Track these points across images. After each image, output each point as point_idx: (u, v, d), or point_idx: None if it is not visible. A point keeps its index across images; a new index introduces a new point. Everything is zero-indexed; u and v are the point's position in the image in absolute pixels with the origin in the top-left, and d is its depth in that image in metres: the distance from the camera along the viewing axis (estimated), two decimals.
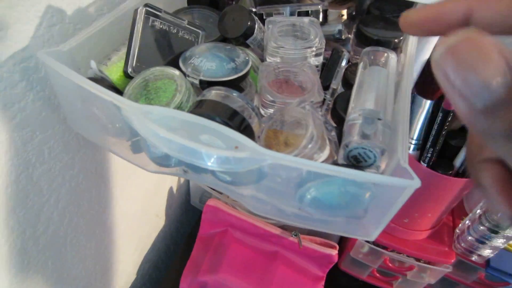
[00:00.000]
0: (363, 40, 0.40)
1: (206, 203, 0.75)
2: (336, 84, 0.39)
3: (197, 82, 0.32)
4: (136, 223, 0.67)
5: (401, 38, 0.39)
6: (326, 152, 0.31)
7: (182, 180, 0.86)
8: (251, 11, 0.41)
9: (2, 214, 0.36)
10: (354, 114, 0.32)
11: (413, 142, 0.59)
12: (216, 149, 0.26)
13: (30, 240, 0.41)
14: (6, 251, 0.38)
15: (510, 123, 0.14)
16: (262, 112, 0.35)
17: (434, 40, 0.49)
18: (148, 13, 0.33)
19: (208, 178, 0.35)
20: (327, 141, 0.31)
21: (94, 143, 0.46)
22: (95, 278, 0.58)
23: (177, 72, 0.31)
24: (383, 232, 0.70)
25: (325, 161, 0.31)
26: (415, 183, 0.26)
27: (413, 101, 0.59)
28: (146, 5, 0.33)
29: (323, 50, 0.36)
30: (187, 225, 0.95)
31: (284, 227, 0.75)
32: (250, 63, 0.34)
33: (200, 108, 0.29)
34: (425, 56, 0.51)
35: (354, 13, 0.49)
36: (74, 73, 0.29)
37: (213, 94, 0.30)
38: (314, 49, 0.35)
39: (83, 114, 0.34)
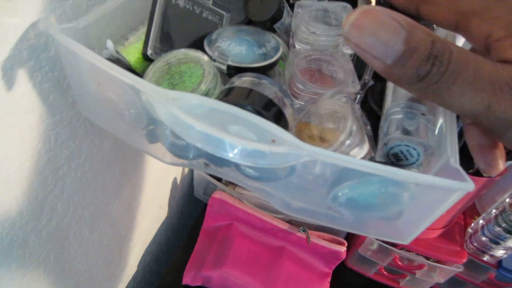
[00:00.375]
0: None
1: (212, 195, 0.72)
2: (369, 75, 0.36)
3: (224, 67, 0.29)
4: (139, 214, 0.64)
5: None
6: (365, 148, 0.28)
7: (186, 171, 0.83)
8: None
9: (4, 205, 0.33)
10: (395, 108, 0.29)
11: None
12: (253, 143, 0.23)
13: (33, 233, 0.38)
14: (7, 245, 0.35)
15: (415, 67, 0.18)
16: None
17: None
18: None
19: (231, 173, 0.32)
20: (366, 137, 0.29)
21: (102, 130, 0.43)
22: (97, 271, 0.55)
23: (204, 56, 0.28)
24: None
25: (363, 157, 0.28)
26: (469, 185, 0.24)
27: None
28: None
29: None
30: (189, 217, 0.93)
31: (291, 222, 0.73)
32: (281, 49, 0.31)
33: (231, 96, 0.26)
34: None
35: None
36: (91, 52, 0.26)
37: (243, 81, 0.27)
38: None
39: (97, 98, 0.31)
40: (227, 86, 0.27)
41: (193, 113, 0.25)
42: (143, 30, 0.31)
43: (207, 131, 0.23)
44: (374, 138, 0.31)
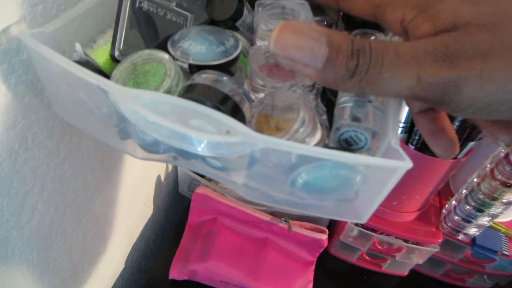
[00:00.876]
0: (350, 24, 0.40)
1: (195, 191, 0.74)
2: None
3: (186, 66, 0.31)
4: (123, 212, 0.66)
5: None
6: (317, 136, 0.31)
7: (170, 168, 0.85)
8: None
9: None
10: (345, 97, 0.32)
11: (401, 125, 0.59)
12: (208, 134, 0.25)
13: (14, 230, 0.40)
14: None
15: (345, 64, 0.19)
16: (253, 96, 0.35)
17: None
18: None
19: (198, 164, 0.34)
20: (319, 125, 0.31)
21: (79, 130, 0.44)
22: (82, 268, 0.57)
23: (166, 55, 0.30)
24: (372, 215, 0.71)
25: (316, 144, 0.31)
26: (407, 164, 0.26)
27: None
28: None
29: None
30: (175, 213, 0.95)
31: (273, 214, 0.76)
32: (240, 46, 0.34)
33: (191, 93, 0.28)
34: None
35: None
36: (60, 55, 0.28)
37: (203, 78, 0.30)
38: None
39: (69, 99, 0.33)
40: (188, 83, 0.30)
41: (156, 110, 0.27)
42: (110, 33, 0.33)
43: (165, 125, 0.25)
44: (330, 126, 0.34)
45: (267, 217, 0.75)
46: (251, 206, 0.75)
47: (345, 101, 0.32)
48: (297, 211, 0.34)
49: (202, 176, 0.81)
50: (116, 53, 0.32)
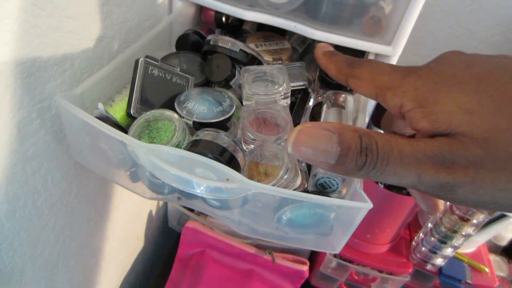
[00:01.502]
0: (325, 83, 0.48)
1: (185, 225, 0.79)
2: (305, 121, 0.46)
3: (191, 123, 0.38)
4: (118, 245, 0.71)
5: None
6: (298, 181, 0.38)
7: (160, 203, 0.90)
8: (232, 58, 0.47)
9: (9, 237, 0.40)
10: None
11: None
12: (213, 181, 0.32)
13: (29, 262, 0.44)
14: (8, 272, 0.42)
15: (354, 160, 0.22)
16: (244, 147, 0.42)
17: None
18: (147, 63, 0.39)
19: (198, 204, 0.41)
20: (299, 172, 0.38)
21: (88, 171, 0.50)
22: None
23: (175, 115, 0.37)
24: (349, 247, 0.78)
25: (297, 188, 0.38)
26: (368, 205, 0.33)
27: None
28: (146, 56, 0.39)
29: (290, 93, 0.43)
30: (164, 247, 0.99)
31: (258, 246, 0.81)
32: (235, 106, 0.41)
33: (196, 147, 0.35)
34: None
35: None
36: (88, 115, 0.34)
37: (205, 134, 0.36)
38: (282, 93, 0.42)
39: (90, 147, 0.39)
40: (193, 138, 0.36)
41: (168, 160, 0.33)
42: (126, 92, 0.40)
43: (178, 174, 0.31)
44: (309, 172, 0.41)
45: (252, 250, 0.80)
46: (237, 239, 0.81)
47: None
48: (282, 243, 0.40)
49: (191, 211, 0.86)
50: (132, 111, 0.39)
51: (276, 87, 0.42)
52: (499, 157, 0.20)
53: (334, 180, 0.37)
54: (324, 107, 0.45)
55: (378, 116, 0.64)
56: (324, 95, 0.47)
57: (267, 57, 0.52)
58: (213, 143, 0.35)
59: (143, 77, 0.40)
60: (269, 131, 0.42)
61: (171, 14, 0.55)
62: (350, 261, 0.80)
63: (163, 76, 0.41)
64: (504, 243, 0.93)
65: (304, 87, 0.49)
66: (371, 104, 0.61)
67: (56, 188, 0.44)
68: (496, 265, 0.91)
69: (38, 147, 0.39)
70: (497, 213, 0.77)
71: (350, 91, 0.47)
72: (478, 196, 0.21)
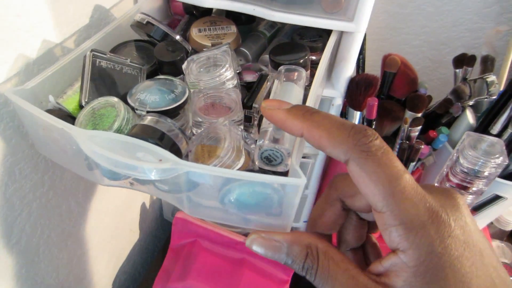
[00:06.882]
0: (276, 66, 0.48)
1: (175, 215, 0.81)
2: (259, 103, 0.46)
3: (144, 113, 0.40)
4: (108, 236, 0.73)
5: (306, 57, 0.47)
6: (241, 161, 0.38)
7: (154, 196, 0.92)
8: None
9: None
10: (266, 123, 0.40)
11: None
12: (143, 162, 0.33)
13: (5, 249, 0.47)
14: None
15: (297, 270, 0.26)
16: (194, 131, 0.43)
17: (354, 56, 0.58)
18: (94, 56, 0.41)
19: (151, 188, 0.42)
20: (243, 152, 0.39)
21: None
22: (69, 286, 0.64)
23: (115, 99, 0.38)
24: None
25: (240, 168, 0.38)
26: (302, 181, 0.34)
27: (347, 112, 0.67)
28: (92, 50, 0.41)
29: (235, 74, 0.44)
30: (162, 238, 1.01)
31: (247, 235, 0.82)
32: (187, 92, 0.42)
33: (136, 132, 0.37)
34: (348, 73, 0.60)
35: None
36: (34, 107, 0.36)
37: (148, 119, 0.38)
38: (227, 75, 0.43)
39: (46, 139, 0.41)
40: (134, 123, 0.38)
41: (109, 146, 0.35)
42: (77, 85, 0.42)
43: (110, 157, 0.33)
44: None
45: (241, 238, 0.81)
46: (227, 229, 0.82)
47: (266, 126, 0.39)
48: (238, 225, 0.41)
49: None
50: (83, 102, 0.41)
51: (218, 69, 0.43)
52: None
53: (278, 152, 0.38)
54: (276, 83, 0.45)
55: (351, 97, 0.63)
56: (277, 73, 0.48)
57: (206, 42, 0.52)
58: (152, 127, 0.36)
59: (91, 69, 0.41)
60: (218, 114, 0.42)
61: (136, 4, 0.57)
62: None
63: (112, 67, 0.43)
64: (510, 227, 0.90)
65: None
66: (343, 84, 0.61)
67: (25, 180, 0.47)
68: (500, 252, 0.88)
69: None
70: (491, 194, 0.75)
71: (304, 67, 0.47)
72: None
